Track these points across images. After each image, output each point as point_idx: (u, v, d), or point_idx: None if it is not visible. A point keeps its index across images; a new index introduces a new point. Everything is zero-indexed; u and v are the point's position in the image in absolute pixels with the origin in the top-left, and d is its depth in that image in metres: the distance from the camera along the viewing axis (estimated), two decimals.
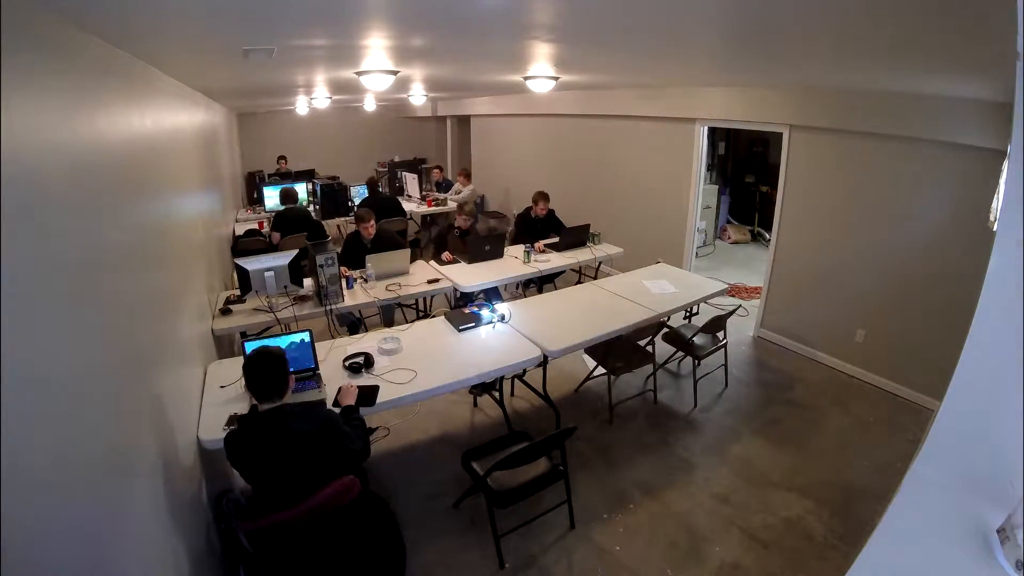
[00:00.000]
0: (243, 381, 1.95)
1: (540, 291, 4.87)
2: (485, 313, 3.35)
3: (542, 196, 5.18)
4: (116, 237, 1.59)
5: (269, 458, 1.83)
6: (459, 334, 3.16)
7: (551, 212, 5.27)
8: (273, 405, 1.90)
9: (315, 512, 1.86)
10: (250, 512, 1.94)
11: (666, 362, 4.14)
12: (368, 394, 2.46)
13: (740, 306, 5.32)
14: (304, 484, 1.87)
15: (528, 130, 8.00)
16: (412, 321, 3.70)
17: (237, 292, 3.44)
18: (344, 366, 2.74)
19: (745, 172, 8.08)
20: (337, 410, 2.27)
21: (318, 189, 6.90)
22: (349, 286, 3.80)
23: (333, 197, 6.85)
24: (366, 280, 3.96)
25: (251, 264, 3.28)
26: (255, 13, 1.56)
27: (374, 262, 4.00)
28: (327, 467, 1.91)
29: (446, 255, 4.52)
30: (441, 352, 2.95)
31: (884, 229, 3.89)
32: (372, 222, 4.33)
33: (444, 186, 8.19)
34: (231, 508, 2.09)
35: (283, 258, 3.39)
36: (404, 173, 8.38)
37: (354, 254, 4.23)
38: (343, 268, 3.91)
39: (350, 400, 2.34)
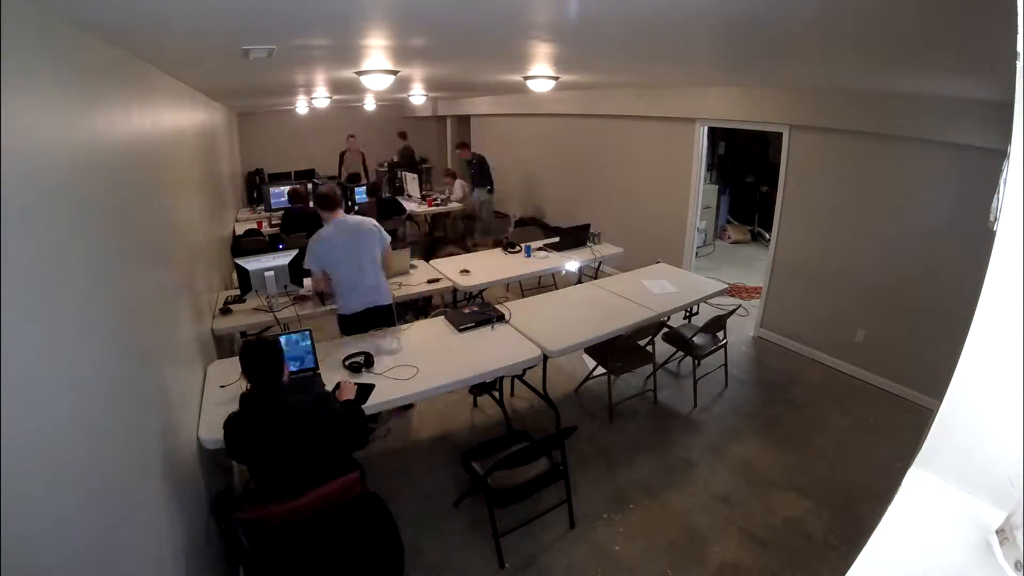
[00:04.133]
0: (241, 375, 1.96)
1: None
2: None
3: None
4: (115, 237, 1.59)
5: (265, 435, 1.85)
6: (459, 334, 3.16)
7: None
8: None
9: (314, 506, 1.86)
10: (247, 502, 1.95)
11: (666, 362, 4.13)
12: (363, 392, 2.45)
13: (740, 306, 5.32)
14: (301, 466, 1.89)
15: (528, 130, 7.99)
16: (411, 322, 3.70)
17: (237, 292, 3.44)
18: (344, 365, 2.75)
19: (745, 172, 8.08)
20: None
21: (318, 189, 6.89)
22: None
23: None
24: None
25: (251, 264, 3.28)
26: (255, 13, 1.55)
27: None
28: (322, 446, 1.93)
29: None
30: (441, 352, 2.95)
31: (884, 229, 3.89)
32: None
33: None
34: (229, 504, 2.09)
35: (283, 258, 3.39)
36: (404, 173, 8.37)
37: None
38: None
39: (348, 395, 2.34)
